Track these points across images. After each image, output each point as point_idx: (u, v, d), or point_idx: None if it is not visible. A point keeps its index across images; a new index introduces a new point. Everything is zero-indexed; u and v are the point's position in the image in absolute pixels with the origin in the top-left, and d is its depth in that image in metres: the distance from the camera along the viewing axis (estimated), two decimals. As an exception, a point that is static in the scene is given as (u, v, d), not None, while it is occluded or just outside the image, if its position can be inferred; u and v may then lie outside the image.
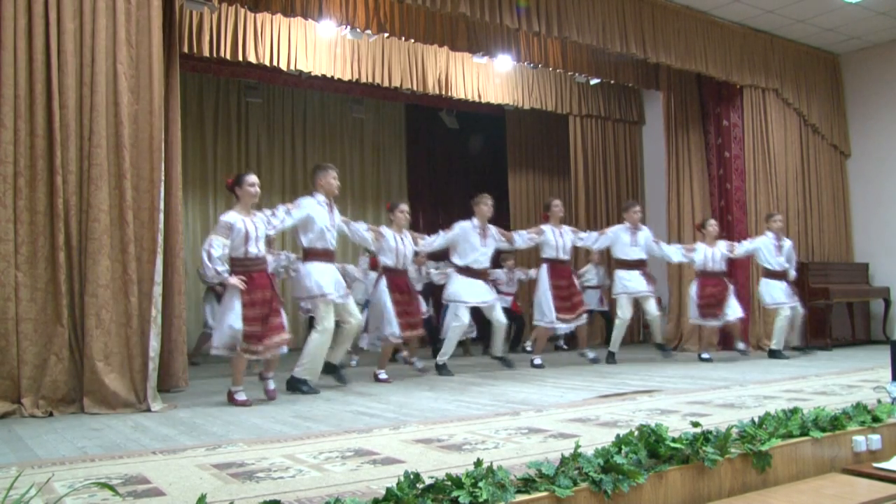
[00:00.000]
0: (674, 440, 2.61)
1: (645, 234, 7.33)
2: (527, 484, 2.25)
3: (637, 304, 7.38)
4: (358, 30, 7.07)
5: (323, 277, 5.19)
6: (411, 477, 2.13)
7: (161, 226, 4.79)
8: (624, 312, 7.18)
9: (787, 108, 8.84)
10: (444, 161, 12.08)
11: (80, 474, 2.68)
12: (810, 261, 8.70)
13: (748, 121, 8.56)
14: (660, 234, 9.12)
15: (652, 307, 7.27)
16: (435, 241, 6.45)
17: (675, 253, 7.47)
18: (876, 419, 3.30)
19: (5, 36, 4.35)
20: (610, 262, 8.54)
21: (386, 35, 7.39)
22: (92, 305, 4.43)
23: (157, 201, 4.75)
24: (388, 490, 2.08)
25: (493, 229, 6.61)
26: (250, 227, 4.73)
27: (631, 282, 7.14)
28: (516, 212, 10.80)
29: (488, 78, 9.01)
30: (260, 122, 10.58)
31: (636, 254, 7.20)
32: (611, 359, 7.21)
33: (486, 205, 6.47)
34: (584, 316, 7.11)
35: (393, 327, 5.86)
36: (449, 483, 2.14)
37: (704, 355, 7.29)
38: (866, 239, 9.25)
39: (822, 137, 9.20)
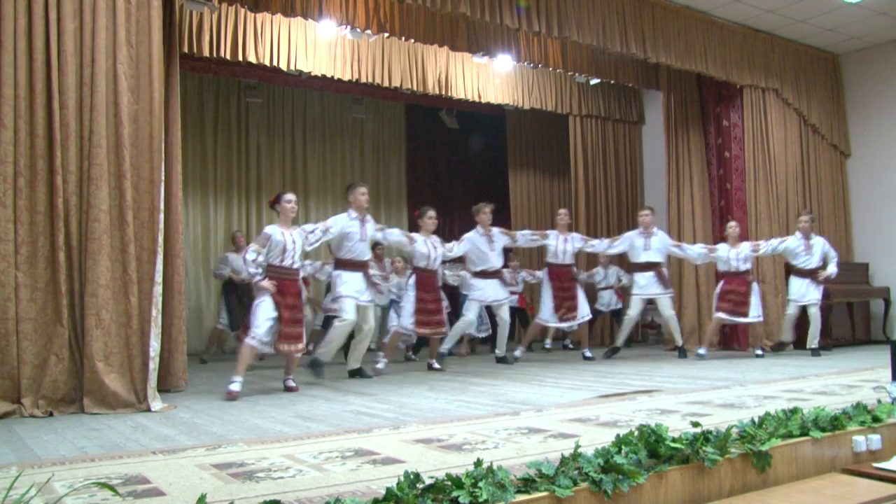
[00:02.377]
0: (674, 440, 2.61)
1: (660, 238, 7.55)
2: (527, 484, 2.25)
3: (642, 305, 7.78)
4: (358, 30, 7.07)
5: (351, 282, 5.84)
6: (411, 477, 2.13)
7: (161, 226, 4.79)
8: (632, 311, 7.62)
9: (787, 108, 8.84)
10: (444, 161, 12.08)
11: (80, 474, 2.68)
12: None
13: (748, 121, 8.56)
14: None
15: (665, 307, 7.49)
16: (454, 249, 6.94)
17: (698, 254, 7.60)
18: (876, 419, 3.30)
19: (5, 36, 4.35)
20: (621, 263, 8.87)
21: (386, 35, 7.39)
22: (92, 305, 4.43)
23: (157, 201, 4.75)
24: (388, 490, 2.08)
25: (495, 230, 7.11)
26: (288, 240, 5.23)
27: (644, 284, 7.46)
28: (516, 211, 10.80)
29: (488, 78, 9.01)
30: (260, 122, 10.58)
31: (649, 257, 7.47)
32: (611, 353, 7.57)
33: (485, 213, 7.01)
34: (584, 318, 7.46)
35: (406, 322, 6.50)
36: (449, 483, 2.14)
37: (701, 351, 7.42)
38: (866, 239, 9.25)
39: (822, 137, 9.20)
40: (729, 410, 3.85)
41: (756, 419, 3.05)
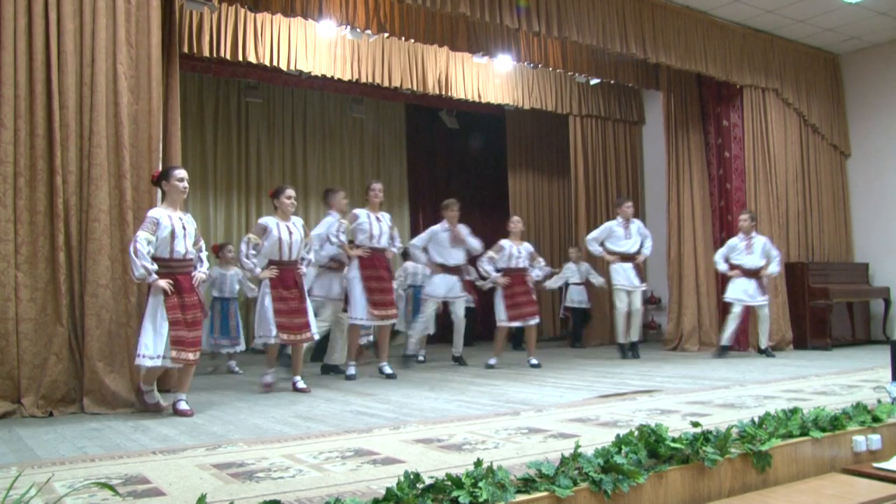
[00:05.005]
0: (674, 440, 2.61)
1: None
2: (527, 484, 2.25)
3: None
4: (358, 30, 7.07)
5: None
6: (411, 477, 2.13)
7: (161, 226, 4.78)
8: (621, 303, 7.57)
9: (787, 108, 8.84)
10: (444, 161, 12.06)
11: (80, 474, 2.68)
12: (810, 261, 8.71)
13: (748, 121, 8.56)
14: (659, 233, 9.13)
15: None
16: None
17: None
18: (876, 419, 3.30)
19: (5, 36, 4.36)
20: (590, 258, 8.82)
21: (386, 35, 7.39)
22: (92, 305, 4.43)
23: (156, 201, 4.75)
24: (388, 490, 2.08)
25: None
26: (177, 223, 4.33)
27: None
28: (516, 212, 10.78)
29: (488, 78, 9.01)
30: (260, 122, 10.57)
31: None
32: (633, 351, 7.63)
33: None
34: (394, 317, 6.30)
35: (266, 330, 5.27)
36: (449, 483, 2.14)
37: (491, 361, 6.89)
38: (866, 239, 9.25)
39: (822, 137, 9.20)
40: (729, 410, 3.85)
41: (756, 419, 3.05)
